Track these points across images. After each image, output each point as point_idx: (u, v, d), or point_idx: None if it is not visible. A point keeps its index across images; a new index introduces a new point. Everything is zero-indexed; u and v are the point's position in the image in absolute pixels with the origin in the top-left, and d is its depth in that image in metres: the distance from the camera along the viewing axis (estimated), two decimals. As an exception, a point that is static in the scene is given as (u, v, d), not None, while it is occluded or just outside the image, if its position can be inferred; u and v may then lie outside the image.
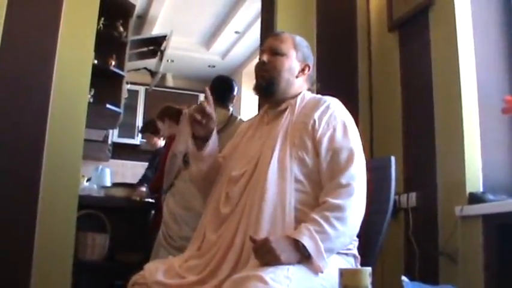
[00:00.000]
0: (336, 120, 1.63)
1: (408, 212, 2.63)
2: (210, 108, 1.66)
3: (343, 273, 1.27)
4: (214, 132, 1.75)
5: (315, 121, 1.62)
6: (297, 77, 1.77)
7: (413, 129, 2.80)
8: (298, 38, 1.83)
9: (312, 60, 1.83)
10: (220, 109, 3.07)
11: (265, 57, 1.75)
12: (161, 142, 4.58)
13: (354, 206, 1.50)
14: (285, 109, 1.72)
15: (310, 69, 1.81)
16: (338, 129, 1.62)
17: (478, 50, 2.47)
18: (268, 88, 1.74)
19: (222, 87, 3.20)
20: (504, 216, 2.08)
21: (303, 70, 1.78)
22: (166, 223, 2.90)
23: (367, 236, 1.68)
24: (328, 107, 1.66)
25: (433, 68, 2.65)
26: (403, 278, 1.85)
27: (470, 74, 2.44)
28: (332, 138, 1.60)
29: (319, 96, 1.77)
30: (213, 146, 1.75)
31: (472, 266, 2.20)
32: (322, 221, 1.44)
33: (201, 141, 1.73)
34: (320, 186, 1.57)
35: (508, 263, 2.05)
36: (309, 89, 1.82)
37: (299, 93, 1.76)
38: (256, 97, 2.09)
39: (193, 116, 1.66)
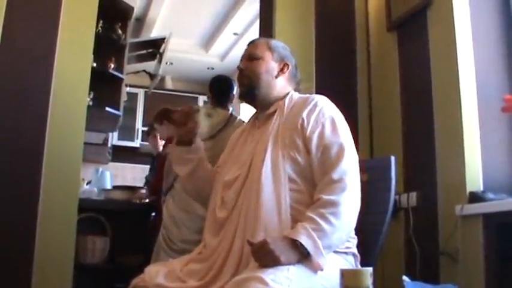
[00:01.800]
0: (324, 116, 1.64)
1: (408, 211, 2.63)
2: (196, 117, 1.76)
3: (344, 273, 1.28)
4: (199, 140, 1.80)
5: (303, 120, 1.63)
6: (276, 77, 1.78)
7: (412, 128, 2.80)
8: (274, 41, 1.87)
9: (291, 60, 1.84)
10: (220, 109, 3.07)
11: (241, 64, 1.80)
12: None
13: (348, 200, 1.50)
14: (274, 112, 1.73)
15: (290, 68, 1.81)
16: (327, 125, 1.62)
17: (476, 49, 2.47)
18: (250, 93, 1.77)
19: (221, 87, 3.19)
20: (504, 215, 2.08)
21: (282, 70, 1.79)
22: (166, 226, 2.90)
23: (368, 236, 1.68)
24: (315, 105, 1.67)
25: (432, 68, 2.65)
26: (404, 277, 1.86)
27: (469, 73, 2.44)
28: (321, 135, 1.60)
29: (306, 95, 1.78)
30: (198, 148, 1.80)
31: (472, 265, 2.20)
32: (318, 218, 1.44)
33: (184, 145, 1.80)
34: (314, 184, 1.57)
35: (508, 262, 2.05)
36: (296, 90, 1.83)
37: (286, 94, 1.78)
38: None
39: (178, 119, 1.75)
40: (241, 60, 1.83)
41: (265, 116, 1.76)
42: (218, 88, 3.17)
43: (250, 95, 1.77)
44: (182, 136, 1.80)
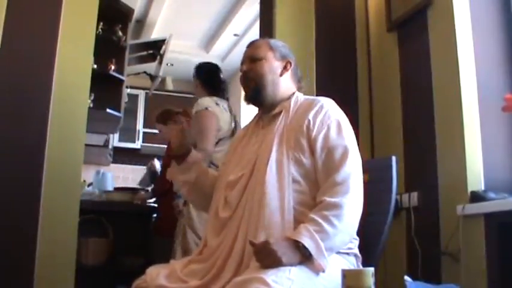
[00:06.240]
0: (330, 119, 1.65)
1: (410, 211, 2.63)
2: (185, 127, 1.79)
3: (346, 274, 1.27)
4: (194, 154, 1.81)
5: (309, 121, 1.63)
6: (281, 75, 1.78)
7: (413, 128, 2.80)
8: (273, 40, 1.87)
9: (292, 57, 1.83)
10: (226, 112, 3.07)
11: (244, 67, 1.79)
12: None
13: (351, 203, 1.50)
14: (279, 112, 1.73)
15: (293, 65, 1.81)
16: (332, 127, 1.63)
17: (477, 48, 2.47)
18: (257, 95, 1.76)
19: (220, 79, 3.33)
20: (506, 214, 2.07)
21: (285, 67, 1.79)
22: (194, 228, 2.78)
23: (369, 236, 1.68)
24: (322, 107, 1.67)
25: (432, 68, 2.65)
26: (406, 277, 1.85)
27: (470, 72, 2.44)
28: (326, 137, 1.61)
29: (312, 97, 1.79)
30: (195, 158, 1.81)
31: (474, 264, 2.20)
32: (320, 220, 1.44)
33: (181, 159, 1.80)
34: (317, 185, 1.58)
35: (510, 262, 2.05)
36: (298, 88, 1.83)
37: (291, 95, 1.77)
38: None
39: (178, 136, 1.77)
40: (242, 63, 1.82)
41: (270, 116, 1.76)
42: (218, 79, 3.23)
43: (257, 97, 1.77)
44: (177, 151, 1.80)
